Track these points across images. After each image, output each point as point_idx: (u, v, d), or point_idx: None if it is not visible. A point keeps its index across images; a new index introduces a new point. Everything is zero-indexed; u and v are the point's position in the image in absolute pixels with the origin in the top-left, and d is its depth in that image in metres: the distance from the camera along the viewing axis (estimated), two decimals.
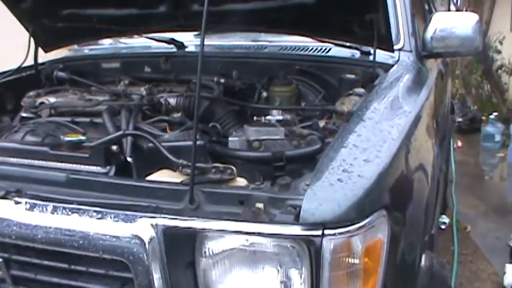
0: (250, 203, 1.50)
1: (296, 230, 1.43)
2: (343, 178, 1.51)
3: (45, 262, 1.65)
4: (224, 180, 1.67)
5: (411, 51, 2.72)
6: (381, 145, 1.71)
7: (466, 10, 9.44)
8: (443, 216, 4.51)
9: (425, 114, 2.28)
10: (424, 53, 2.79)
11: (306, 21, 2.51)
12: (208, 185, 1.60)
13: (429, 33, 2.76)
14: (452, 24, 2.78)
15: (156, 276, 1.51)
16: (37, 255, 1.65)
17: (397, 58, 2.61)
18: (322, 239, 1.41)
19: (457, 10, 9.24)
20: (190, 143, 1.84)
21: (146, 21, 2.81)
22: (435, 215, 2.79)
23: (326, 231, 1.41)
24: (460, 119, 8.05)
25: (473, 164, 6.77)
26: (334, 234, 1.41)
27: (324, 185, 1.49)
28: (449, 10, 8.61)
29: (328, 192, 1.47)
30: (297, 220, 1.43)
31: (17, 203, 1.65)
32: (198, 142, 1.62)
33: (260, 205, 1.49)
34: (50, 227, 1.59)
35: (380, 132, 1.81)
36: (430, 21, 2.79)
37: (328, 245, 1.41)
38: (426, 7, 4.13)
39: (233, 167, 1.70)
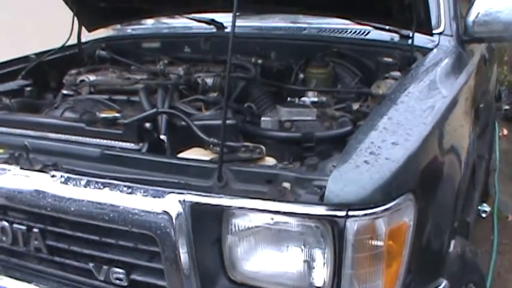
0: (277, 182, 1.52)
1: (320, 210, 1.44)
2: (370, 160, 1.51)
3: (78, 234, 1.70)
4: (253, 159, 1.69)
5: (452, 35, 2.67)
6: (411, 128, 1.70)
7: None
8: (484, 204, 4.43)
9: (462, 99, 2.25)
10: (465, 37, 2.74)
11: (345, 4, 2.49)
12: (237, 164, 1.62)
13: (471, 17, 2.68)
14: (497, 8, 2.71)
15: (183, 251, 1.54)
16: (71, 227, 1.71)
17: (437, 42, 2.57)
18: (346, 220, 1.42)
19: None
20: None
21: (187, 1, 2.83)
22: (471, 203, 2.75)
23: (350, 212, 1.42)
24: (507, 107, 7.85)
25: None
26: (358, 216, 1.42)
27: (350, 166, 1.50)
28: None
29: (354, 174, 1.47)
30: (321, 200, 1.44)
31: (53, 176, 1.71)
32: (229, 121, 1.64)
33: (287, 184, 1.51)
34: (83, 200, 1.65)
35: (412, 116, 1.79)
36: (472, 4, 2.74)
37: (351, 226, 1.42)
38: None
39: (262, 147, 1.71)
